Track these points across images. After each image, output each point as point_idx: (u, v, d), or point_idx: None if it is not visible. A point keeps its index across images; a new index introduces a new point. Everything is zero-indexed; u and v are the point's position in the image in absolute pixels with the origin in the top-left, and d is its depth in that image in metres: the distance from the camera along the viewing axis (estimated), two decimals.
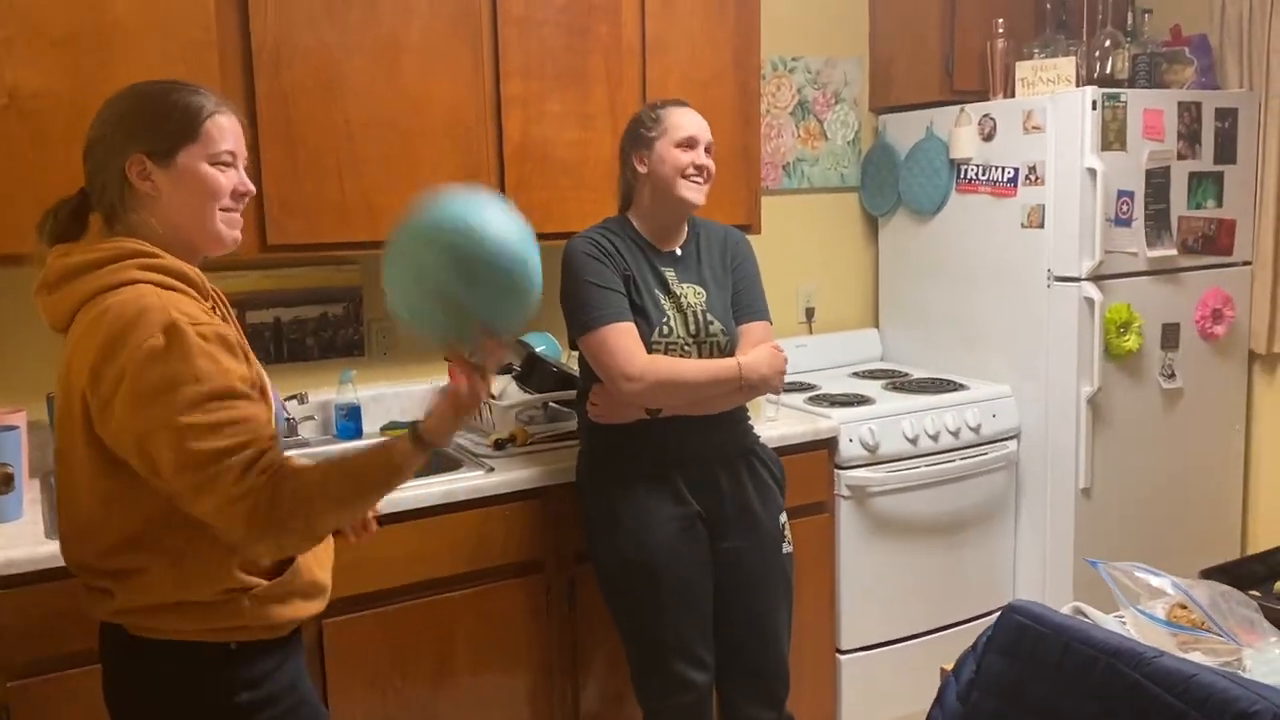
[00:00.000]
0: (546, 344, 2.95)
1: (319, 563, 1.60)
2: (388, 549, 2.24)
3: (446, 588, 2.36)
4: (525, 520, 2.45)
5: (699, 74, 2.87)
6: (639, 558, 2.23)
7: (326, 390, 2.80)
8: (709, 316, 2.27)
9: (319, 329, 2.80)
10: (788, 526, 2.40)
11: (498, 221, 1.45)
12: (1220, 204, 3.28)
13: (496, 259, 1.42)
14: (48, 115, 2.10)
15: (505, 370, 2.79)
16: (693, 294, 2.28)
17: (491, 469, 2.44)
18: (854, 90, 3.59)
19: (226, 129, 1.49)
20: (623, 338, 2.17)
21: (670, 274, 2.28)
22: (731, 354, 2.27)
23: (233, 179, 1.49)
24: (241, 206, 1.53)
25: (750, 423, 2.41)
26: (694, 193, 2.26)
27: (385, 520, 2.25)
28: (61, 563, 1.56)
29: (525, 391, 2.73)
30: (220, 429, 1.34)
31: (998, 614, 1.48)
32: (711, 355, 2.25)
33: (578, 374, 2.46)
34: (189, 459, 1.33)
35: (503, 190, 2.62)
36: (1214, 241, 3.28)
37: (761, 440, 2.43)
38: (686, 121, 2.28)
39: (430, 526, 2.32)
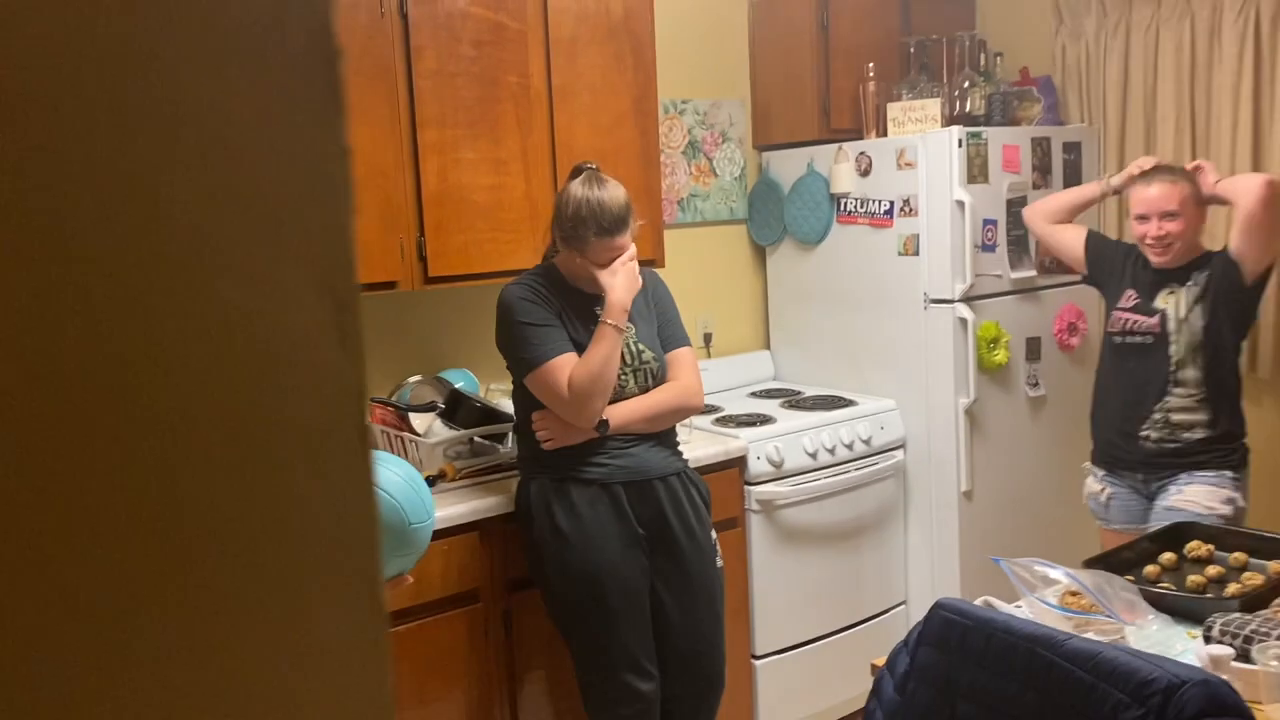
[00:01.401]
0: (466, 380, 3.05)
1: None
2: None
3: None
4: (460, 553, 2.54)
5: (603, 119, 3.03)
6: (587, 574, 2.37)
7: None
8: (640, 346, 2.48)
9: None
10: (718, 542, 2.58)
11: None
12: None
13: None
14: None
15: (429, 408, 2.88)
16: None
17: None
18: (739, 130, 3.82)
19: None
20: (566, 368, 2.35)
21: (600, 311, 2.45)
22: (661, 380, 2.51)
23: None
24: None
25: (679, 444, 2.60)
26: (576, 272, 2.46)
27: None
28: None
29: (451, 428, 2.83)
30: None
31: (906, 615, 1.67)
32: (645, 381, 2.48)
33: (504, 408, 2.58)
34: None
35: (422, 234, 2.72)
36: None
37: (688, 463, 2.61)
38: (602, 250, 2.40)
39: None
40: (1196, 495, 2.64)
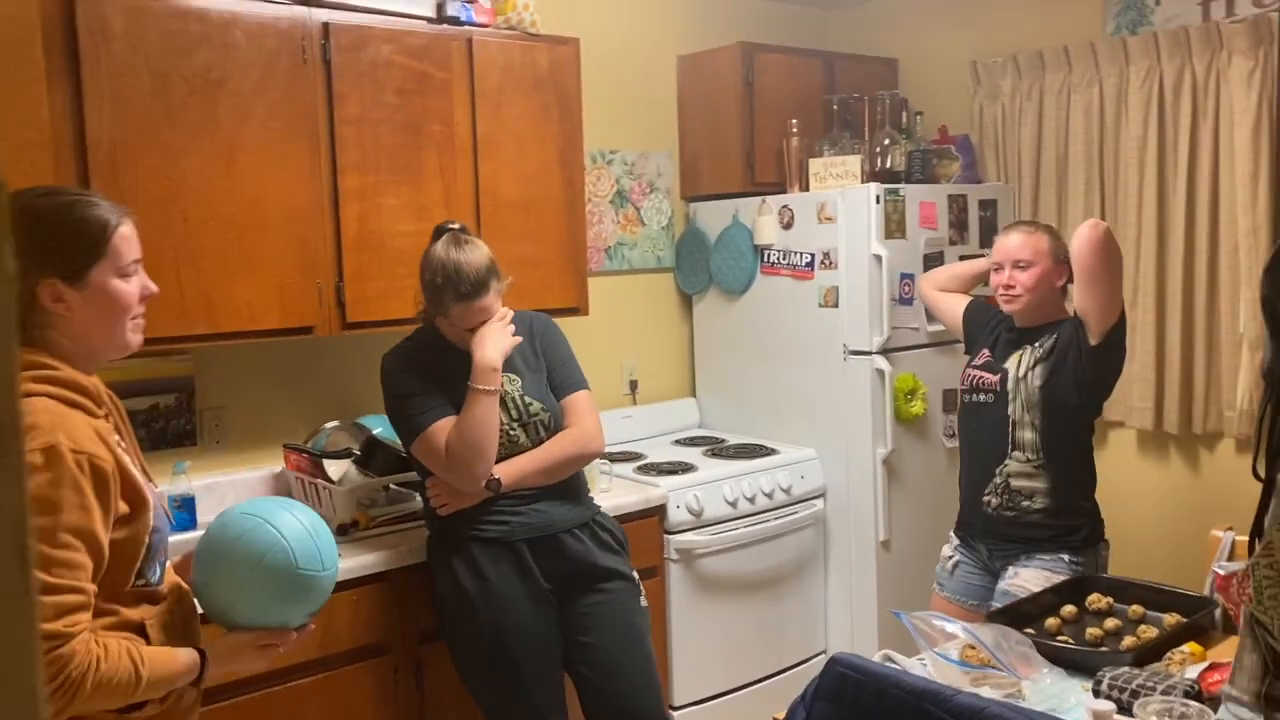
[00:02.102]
0: (384, 426, 3.02)
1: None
2: None
3: (295, 675, 2.38)
4: (371, 604, 2.51)
5: (527, 169, 3.06)
6: (493, 638, 2.34)
7: (159, 481, 2.76)
8: (527, 399, 2.44)
9: (149, 420, 2.78)
10: (641, 583, 2.57)
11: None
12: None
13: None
14: None
15: (344, 454, 2.85)
16: (507, 382, 2.42)
17: None
18: (667, 180, 3.87)
19: (130, 239, 1.53)
20: (443, 434, 2.33)
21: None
22: (556, 429, 2.46)
23: (137, 285, 1.54)
24: (144, 309, 1.57)
25: (590, 494, 2.58)
26: (454, 335, 2.43)
27: None
28: None
29: (365, 475, 2.79)
30: (51, 566, 1.35)
31: (822, 666, 1.69)
32: (537, 433, 2.43)
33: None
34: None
35: (341, 279, 2.71)
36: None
37: (601, 509, 2.60)
38: (464, 314, 2.35)
39: None
40: (1029, 580, 2.54)
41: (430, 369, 2.39)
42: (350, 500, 2.74)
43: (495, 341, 2.34)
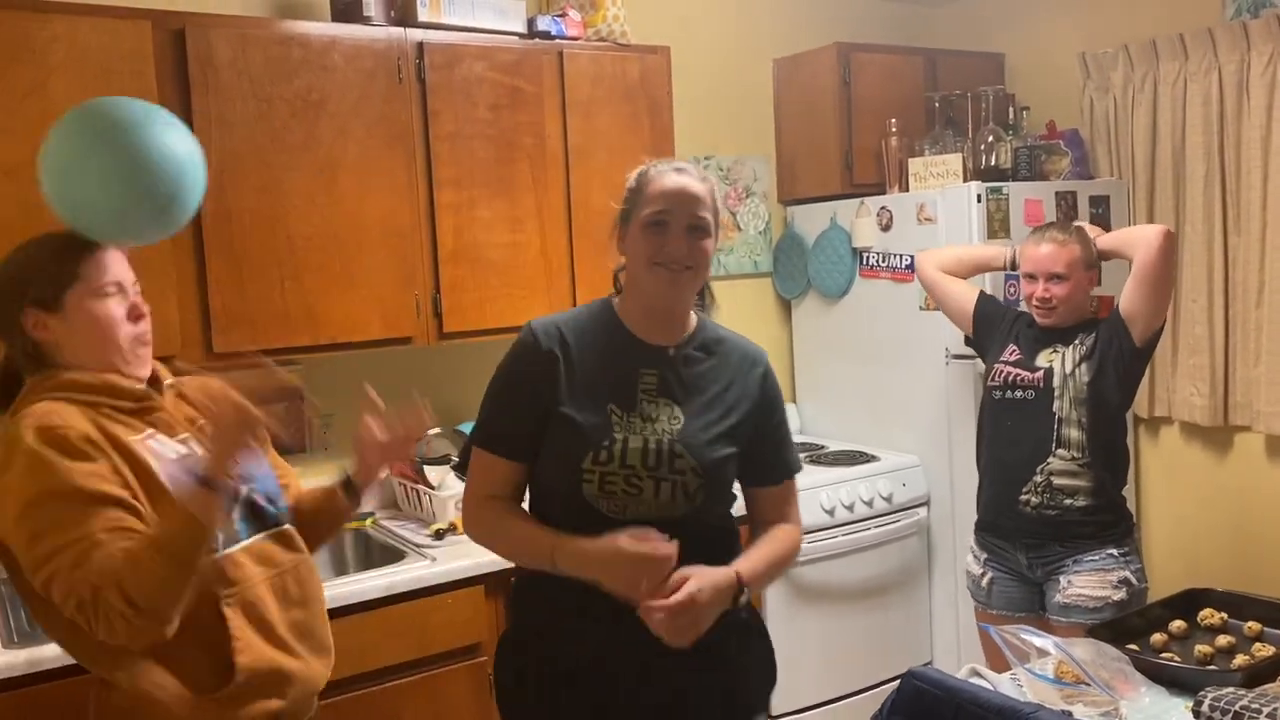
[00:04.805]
0: None
1: (265, 652, 1.62)
2: (335, 642, 2.34)
3: (393, 676, 2.46)
4: (466, 607, 2.57)
5: (619, 177, 3.03)
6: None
7: None
8: (678, 447, 1.69)
9: None
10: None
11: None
12: (1099, 283, 3.57)
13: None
14: (2, 245, 2.20)
15: (443, 460, 2.93)
16: (667, 416, 1.73)
17: (433, 559, 2.57)
18: (763, 185, 3.85)
19: (105, 262, 1.58)
20: (477, 469, 1.82)
21: (651, 378, 1.75)
22: (701, 498, 1.70)
23: (123, 304, 1.60)
24: (145, 324, 1.63)
25: None
26: (664, 285, 1.73)
27: (333, 615, 2.35)
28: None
29: (463, 481, 2.85)
30: (44, 534, 1.44)
31: (899, 680, 1.65)
32: (673, 496, 1.69)
33: None
34: (31, 560, 1.46)
35: (437, 291, 2.79)
36: (1097, 314, 3.57)
37: None
38: (668, 184, 1.77)
39: (375, 618, 2.43)
40: (1085, 586, 2.50)
41: (549, 369, 1.72)
42: (449, 505, 2.81)
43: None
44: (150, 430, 1.59)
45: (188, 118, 2.44)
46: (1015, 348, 2.68)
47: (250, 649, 1.60)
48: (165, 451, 1.58)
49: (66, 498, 1.45)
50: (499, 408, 1.80)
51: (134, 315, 1.61)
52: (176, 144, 1.60)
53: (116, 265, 1.61)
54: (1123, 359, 2.54)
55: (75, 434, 1.48)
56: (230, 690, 1.57)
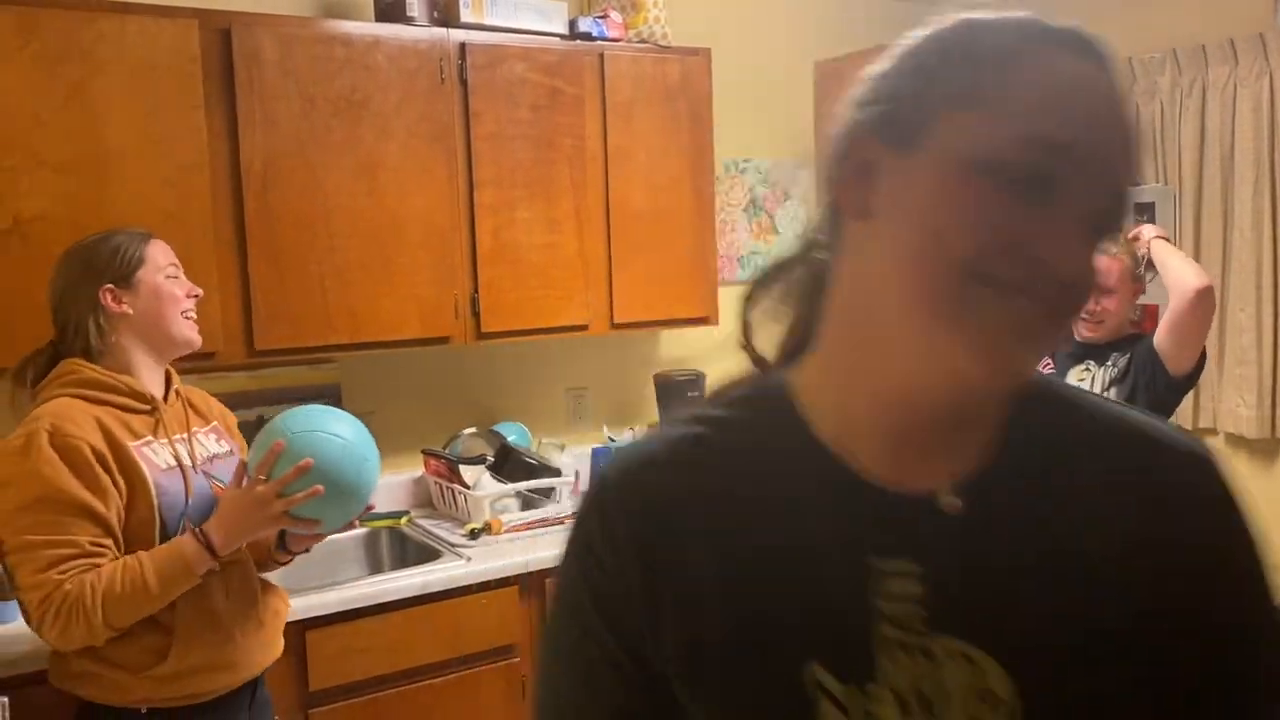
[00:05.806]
0: (518, 434, 3.09)
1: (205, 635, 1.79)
2: (369, 639, 2.36)
3: (427, 675, 2.46)
4: (501, 607, 2.57)
5: (658, 180, 3.07)
6: None
7: None
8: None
9: None
10: None
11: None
12: (1144, 291, 3.52)
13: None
14: (49, 238, 2.23)
15: (479, 461, 2.93)
16: (955, 667, 0.67)
17: (468, 559, 2.57)
18: (803, 188, 3.82)
19: (163, 248, 1.87)
20: None
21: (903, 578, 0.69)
22: None
23: (184, 285, 1.87)
24: (193, 308, 1.87)
25: None
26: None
27: (367, 612, 2.38)
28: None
29: (498, 481, 2.86)
30: (39, 529, 1.64)
31: None
32: None
33: (554, 462, 2.56)
34: (12, 543, 1.66)
35: (475, 291, 2.79)
36: (1139, 325, 3.51)
37: None
38: None
39: (410, 616, 2.43)
40: None
41: (646, 594, 0.72)
42: (484, 505, 2.81)
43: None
44: (148, 436, 1.80)
45: (233, 117, 2.46)
46: (1049, 360, 2.64)
47: (190, 633, 1.77)
48: (157, 460, 1.78)
49: (62, 505, 1.65)
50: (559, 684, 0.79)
51: (190, 294, 1.88)
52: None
53: (169, 255, 1.88)
54: (1154, 387, 2.46)
55: (87, 445, 1.68)
56: (171, 668, 1.74)
